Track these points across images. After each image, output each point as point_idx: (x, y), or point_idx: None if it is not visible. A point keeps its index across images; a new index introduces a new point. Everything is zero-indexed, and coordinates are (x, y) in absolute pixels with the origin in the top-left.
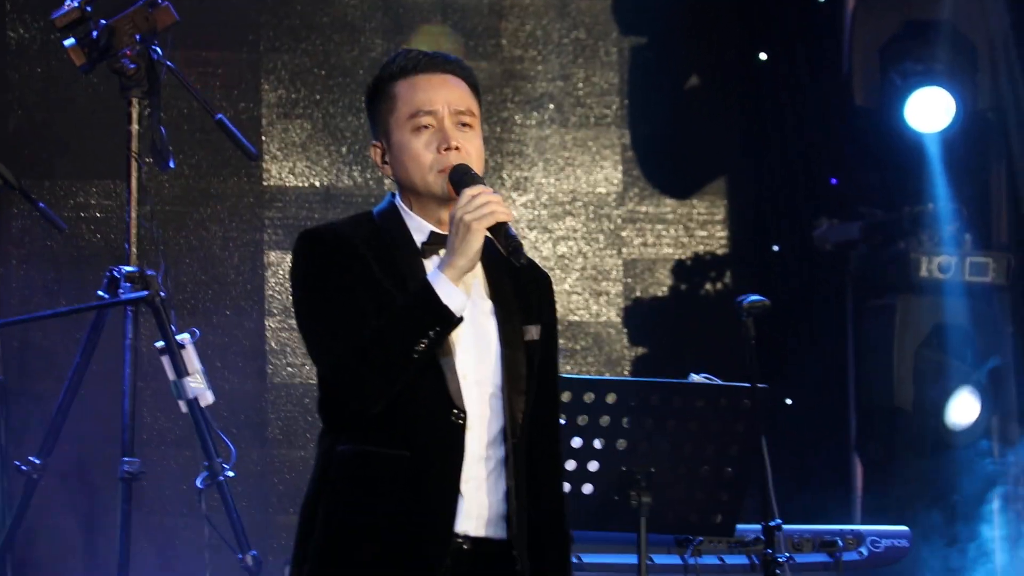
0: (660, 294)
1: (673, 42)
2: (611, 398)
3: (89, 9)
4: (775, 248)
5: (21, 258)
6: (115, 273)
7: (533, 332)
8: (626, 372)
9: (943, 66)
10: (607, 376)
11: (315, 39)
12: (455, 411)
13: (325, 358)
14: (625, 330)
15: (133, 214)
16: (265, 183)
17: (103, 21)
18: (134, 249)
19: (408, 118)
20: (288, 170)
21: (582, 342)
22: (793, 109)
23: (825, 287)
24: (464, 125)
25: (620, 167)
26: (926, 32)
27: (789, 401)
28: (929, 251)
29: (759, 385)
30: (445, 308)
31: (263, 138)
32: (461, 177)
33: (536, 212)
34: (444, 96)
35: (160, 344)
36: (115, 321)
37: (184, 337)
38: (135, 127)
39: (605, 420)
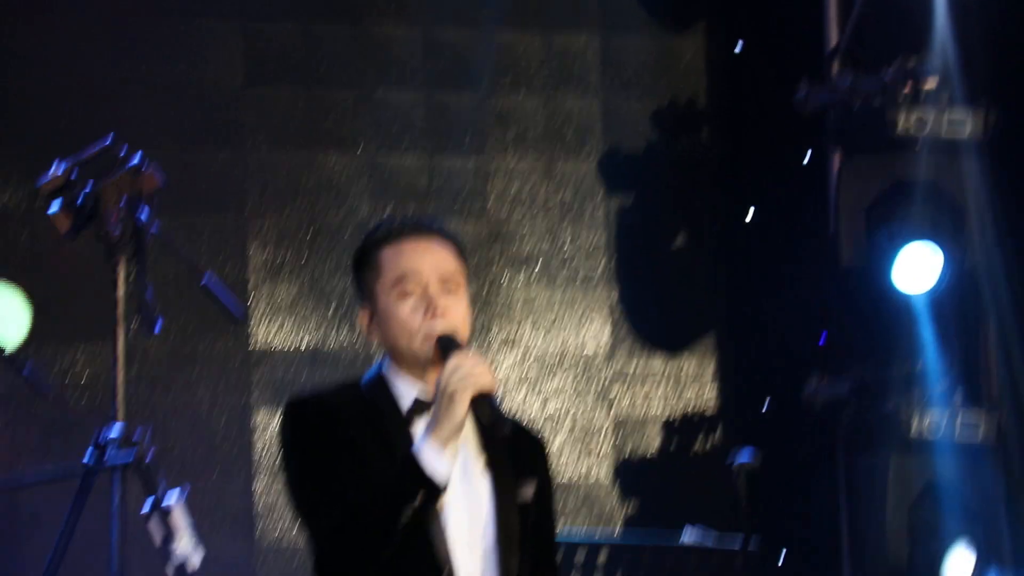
0: (650, 451)
1: (658, 202)
2: (603, 558)
3: (74, 176)
4: (765, 405)
5: (6, 422)
6: (102, 436)
7: (527, 492)
8: (618, 530)
9: (929, 225)
10: (598, 535)
11: (301, 202)
12: (446, 571)
13: (313, 527)
14: (616, 487)
15: (120, 377)
16: (251, 346)
17: (87, 189)
18: (121, 412)
19: (393, 284)
20: (275, 332)
21: (573, 502)
22: (780, 268)
23: (816, 444)
24: (449, 291)
25: (608, 325)
26: (911, 192)
27: (782, 558)
28: (919, 409)
29: (751, 543)
30: (429, 478)
31: (250, 300)
32: (446, 346)
33: (524, 370)
34: (429, 261)
35: (147, 510)
36: (102, 484)
37: (173, 494)
38: (121, 291)
39: None
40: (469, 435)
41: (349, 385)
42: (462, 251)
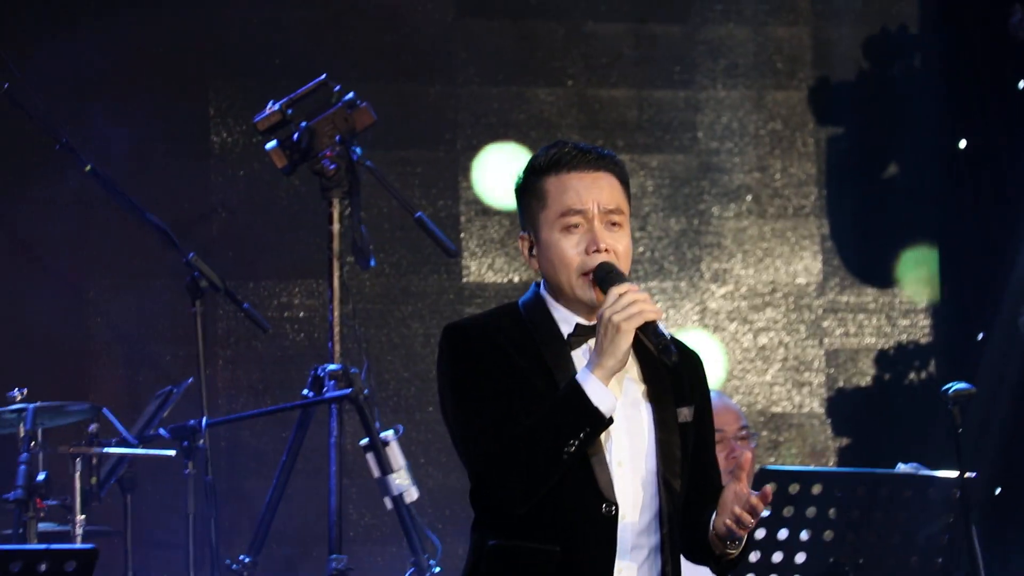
0: (863, 384)
1: (870, 131)
2: (816, 489)
3: (290, 112)
4: (979, 336)
5: (227, 359)
6: (319, 372)
7: (686, 413)
8: (831, 463)
9: None
10: (811, 467)
11: (512, 136)
12: (606, 504)
13: (474, 455)
14: (829, 420)
15: (336, 313)
16: (465, 279)
17: (303, 123)
18: (337, 348)
19: (557, 217)
20: (487, 266)
21: (785, 434)
22: (994, 197)
23: None
24: (614, 224)
25: (820, 257)
26: None
27: (999, 490)
28: None
29: (968, 474)
30: (596, 410)
31: (462, 235)
32: (606, 276)
33: (736, 303)
34: (594, 196)
35: (365, 442)
36: (320, 419)
37: (388, 434)
38: (336, 227)
39: (811, 511)
40: (630, 363)
41: (507, 309)
42: (627, 183)
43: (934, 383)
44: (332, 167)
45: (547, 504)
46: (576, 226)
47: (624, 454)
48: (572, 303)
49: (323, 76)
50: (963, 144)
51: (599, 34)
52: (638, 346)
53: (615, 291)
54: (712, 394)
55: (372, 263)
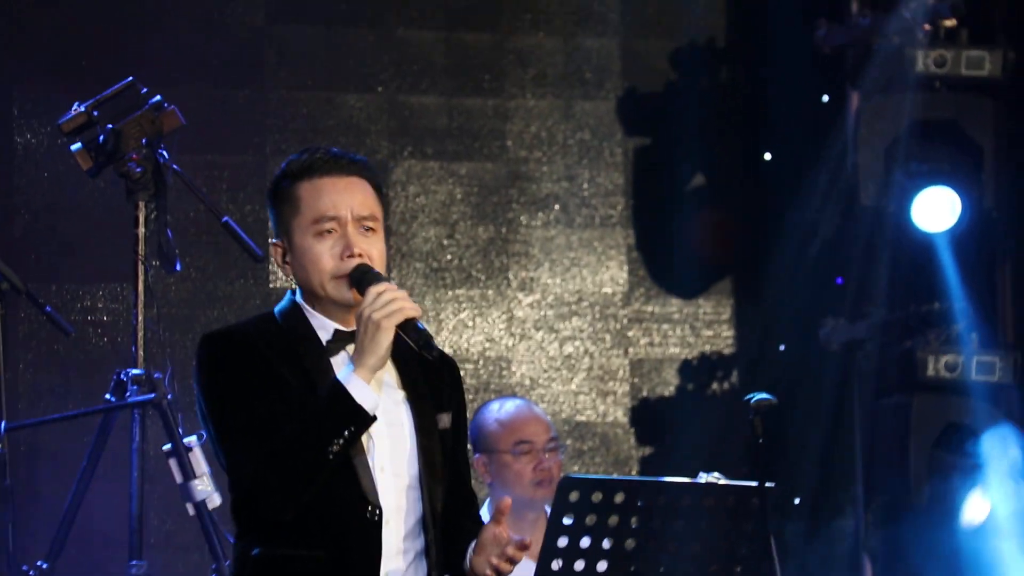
0: (667, 394)
1: (677, 142)
2: (619, 498)
3: (96, 114)
4: (781, 347)
5: (28, 362)
6: (122, 376)
7: (445, 420)
8: (634, 472)
9: (948, 166)
10: (615, 476)
11: (321, 141)
12: (370, 508)
13: (236, 464)
14: (632, 430)
15: (140, 317)
16: (271, 284)
17: (109, 125)
18: (141, 352)
19: (311, 223)
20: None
21: (589, 442)
22: (798, 209)
23: (832, 386)
24: (368, 230)
25: (626, 267)
26: (931, 132)
27: (797, 500)
28: (936, 350)
29: (767, 484)
30: (359, 408)
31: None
32: (362, 276)
33: (542, 312)
34: (348, 201)
35: (168, 447)
36: (123, 424)
37: (191, 440)
38: (141, 230)
39: (614, 520)
40: (389, 369)
41: (265, 317)
42: (381, 188)
43: (736, 393)
44: (138, 170)
45: (312, 510)
46: (330, 231)
47: (386, 459)
48: (329, 308)
49: (130, 79)
50: (768, 156)
51: (410, 41)
52: (396, 353)
53: (374, 290)
54: (521, 403)
55: (178, 267)
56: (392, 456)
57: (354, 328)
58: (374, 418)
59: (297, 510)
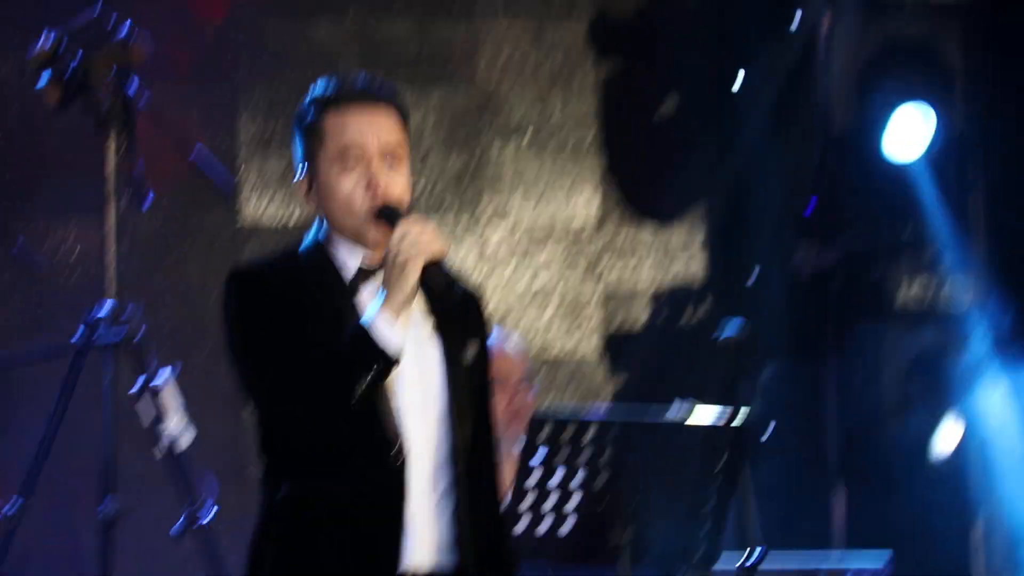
0: (639, 324)
1: (649, 68)
2: (590, 434)
3: (63, 48)
4: (754, 274)
5: None
6: (92, 315)
7: (472, 352)
8: (606, 403)
9: (920, 87)
10: (587, 408)
11: (290, 72)
12: (397, 445)
13: (261, 401)
14: (604, 360)
15: (110, 254)
16: (240, 222)
17: (76, 59)
18: (111, 289)
19: (336, 157)
20: (265, 206)
21: (561, 376)
22: (770, 136)
23: (804, 314)
24: (394, 159)
25: (598, 195)
26: (903, 53)
27: (770, 427)
28: (908, 277)
29: (740, 408)
30: (386, 346)
31: (240, 173)
32: (391, 214)
33: (515, 243)
34: (374, 134)
35: (139, 384)
36: (94, 361)
37: (165, 370)
38: (111, 165)
39: (585, 455)
40: (416, 302)
41: (288, 254)
42: (407, 116)
43: (710, 321)
44: (106, 104)
45: (338, 448)
46: (354, 167)
47: (414, 398)
48: (353, 243)
49: (98, 7)
50: (738, 84)
51: None
52: (424, 285)
53: (400, 228)
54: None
55: (149, 203)
56: (421, 391)
57: (377, 264)
58: (397, 360)
59: (323, 447)
